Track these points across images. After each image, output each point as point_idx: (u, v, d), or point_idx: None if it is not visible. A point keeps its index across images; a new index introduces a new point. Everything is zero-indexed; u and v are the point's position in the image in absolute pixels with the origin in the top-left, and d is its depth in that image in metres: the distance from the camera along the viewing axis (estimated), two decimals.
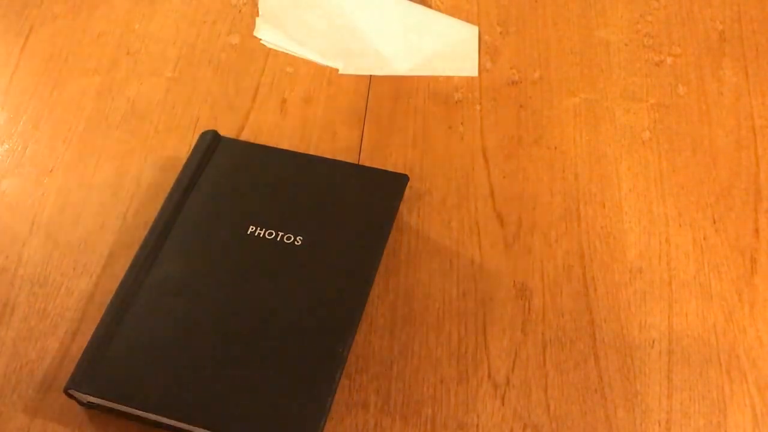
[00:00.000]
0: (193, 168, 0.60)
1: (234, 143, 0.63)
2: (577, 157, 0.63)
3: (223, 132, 0.64)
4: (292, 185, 0.60)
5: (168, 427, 0.50)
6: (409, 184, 0.60)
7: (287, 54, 0.70)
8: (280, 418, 0.49)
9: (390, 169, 0.62)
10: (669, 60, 0.69)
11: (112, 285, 0.57)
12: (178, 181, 0.60)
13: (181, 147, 0.64)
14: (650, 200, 0.61)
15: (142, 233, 0.58)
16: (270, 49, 0.71)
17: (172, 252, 0.57)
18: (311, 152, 0.64)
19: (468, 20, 0.72)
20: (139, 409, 0.50)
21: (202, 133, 0.63)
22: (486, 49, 0.70)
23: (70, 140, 0.66)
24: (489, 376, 0.53)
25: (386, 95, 0.67)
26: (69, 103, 0.68)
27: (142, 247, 0.57)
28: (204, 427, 0.49)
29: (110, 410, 0.51)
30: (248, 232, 0.57)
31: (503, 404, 0.52)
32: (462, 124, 0.65)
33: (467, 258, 0.58)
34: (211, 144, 0.62)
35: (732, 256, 0.58)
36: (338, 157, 0.63)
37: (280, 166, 0.61)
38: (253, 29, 0.72)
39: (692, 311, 0.56)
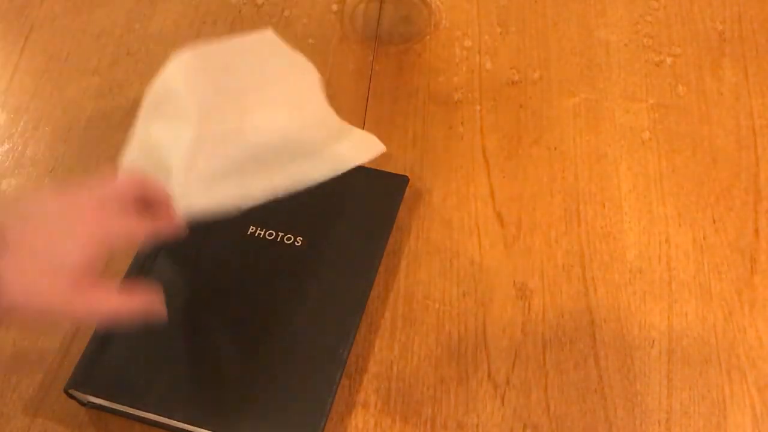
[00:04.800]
0: None
1: None
2: (577, 157, 0.63)
3: None
4: None
5: (168, 427, 0.50)
6: (409, 184, 0.60)
7: None
8: (280, 419, 0.49)
9: (390, 169, 0.62)
10: (669, 60, 0.69)
11: None
12: None
13: None
14: (650, 200, 0.61)
15: None
16: None
17: (172, 253, 0.56)
18: None
19: (468, 20, 0.72)
20: (139, 410, 0.50)
21: None
22: (486, 49, 0.70)
23: (70, 140, 0.66)
24: (489, 376, 0.53)
25: (386, 95, 0.67)
26: (69, 103, 0.68)
27: (142, 248, 0.57)
28: (204, 428, 0.49)
29: (110, 410, 0.51)
30: (249, 233, 0.57)
31: (503, 404, 0.52)
32: (462, 124, 0.65)
33: (467, 258, 0.58)
34: None
35: (732, 256, 0.58)
36: None
37: None
38: (252, 29, 0.72)
39: (692, 311, 0.56)
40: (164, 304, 0.45)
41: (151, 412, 0.50)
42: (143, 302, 0.44)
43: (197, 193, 0.51)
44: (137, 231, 0.47)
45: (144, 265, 0.56)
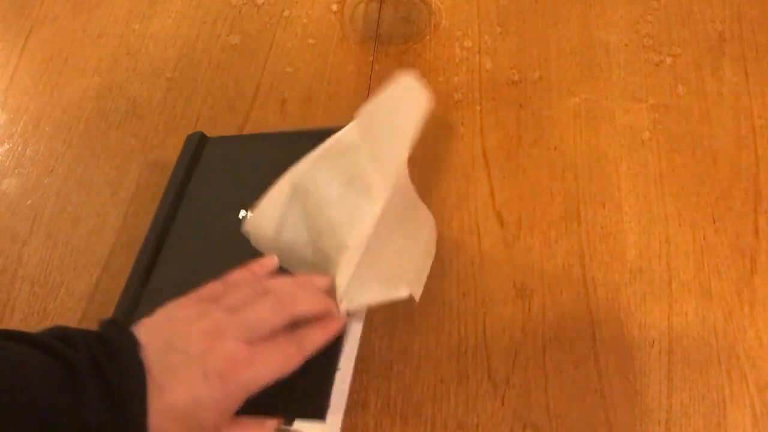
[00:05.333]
0: (184, 168, 0.60)
1: (220, 140, 0.63)
2: (577, 157, 0.63)
3: (223, 132, 0.64)
4: (282, 165, 0.59)
5: None
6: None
7: (287, 54, 0.70)
8: (287, 398, 0.48)
9: None
10: (669, 60, 0.69)
11: (112, 285, 0.57)
12: (170, 182, 0.60)
13: (181, 147, 0.64)
14: (650, 200, 0.61)
15: (142, 233, 0.58)
16: (270, 49, 0.71)
17: (172, 251, 0.56)
18: None
19: (468, 20, 0.72)
20: None
21: (189, 136, 0.62)
22: (486, 49, 0.70)
23: (70, 140, 0.66)
24: (489, 376, 0.53)
25: None
26: (69, 103, 0.68)
27: (143, 249, 0.57)
28: None
29: None
30: (241, 218, 0.56)
31: (503, 404, 0.52)
32: (462, 124, 0.65)
33: (467, 258, 0.58)
34: (198, 144, 0.62)
35: (732, 256, 0.58)
36: None
37: (268, 148, 0.60)
38: (253, 29, 0.72)
39: (692, 311, 0.56)
40: None
41: None
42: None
43: (368, 288, 0.49)
44: (286, 365, 0.45)
45: (148, 264, 0.56)
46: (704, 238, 0.59)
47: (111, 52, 0.71)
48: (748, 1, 0.72)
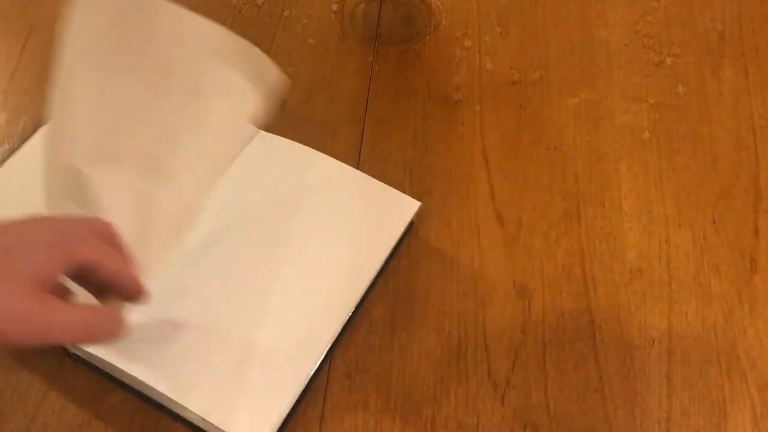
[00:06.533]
0: None
1: None
2: (577, 157, 0.63)
3: None
4: None
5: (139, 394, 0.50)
6: (408, 184, 0.60)
7: (287, 54, 0.70)
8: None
9: (390, 168, 0.62)
10: (669, 60, 0.69)
11: None
12: None
13: None
14: (650, 200, 0.61)
15: None
16: (270, 48, 0.71)
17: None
18: None
19: (468, 20, 0.72)
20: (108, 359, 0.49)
21: None
22: (486, 49, 0.70)
23: None
24: (489, 376, 0.53)
25: (386, 95, 0.67)
26: None
27: None
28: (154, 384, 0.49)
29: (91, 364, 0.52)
30: None
31: (503, 404, 0.52)
32: (462, 124, 0.65)
33: (467, 258, 0.58)
34: None
35: (732, 256, 0.58)
36: (338, 158, 0.63)
37: None
38: (253, 29, 0.72)
39: (692, 311, 0.56)
40: (125, 323, 0.41)
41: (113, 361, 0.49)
42: (108, 318, 0.41)
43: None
44: (105, 259, 0.40)
45: None
46: (704, 238, 0.59)
47: None
48: (748, 1, 0.73)
